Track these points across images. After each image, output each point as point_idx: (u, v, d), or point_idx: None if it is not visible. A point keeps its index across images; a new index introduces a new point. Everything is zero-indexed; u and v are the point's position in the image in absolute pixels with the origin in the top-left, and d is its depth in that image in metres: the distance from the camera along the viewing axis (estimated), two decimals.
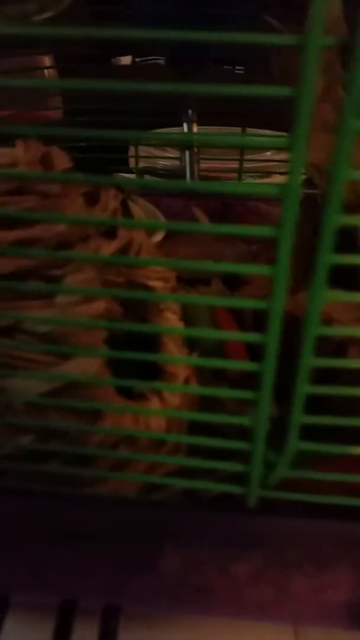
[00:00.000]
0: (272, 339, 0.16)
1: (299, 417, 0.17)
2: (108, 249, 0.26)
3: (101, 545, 0.26)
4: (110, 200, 0.26)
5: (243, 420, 0.19)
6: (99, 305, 0.24)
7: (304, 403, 0.28)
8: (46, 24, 0.53)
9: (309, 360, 0.16)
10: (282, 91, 0.13)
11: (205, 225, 0.27)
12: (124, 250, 0.28)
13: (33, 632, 0.29)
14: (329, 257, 0.14)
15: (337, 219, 0.13)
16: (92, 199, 0.26)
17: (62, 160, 0.26)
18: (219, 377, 0.35)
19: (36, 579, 0.28)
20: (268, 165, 0.59)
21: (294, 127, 0.13)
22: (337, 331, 0.15)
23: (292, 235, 0.14)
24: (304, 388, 0.17)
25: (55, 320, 0.23)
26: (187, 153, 0.55)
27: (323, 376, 0.30)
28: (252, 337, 0.17)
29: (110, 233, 0.26)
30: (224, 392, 0.19)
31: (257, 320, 0.39)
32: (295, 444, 0.18)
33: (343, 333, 0.16)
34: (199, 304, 0.38)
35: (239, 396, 0.18)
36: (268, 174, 0.61)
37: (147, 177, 0.67)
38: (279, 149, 0.14)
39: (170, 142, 0.54)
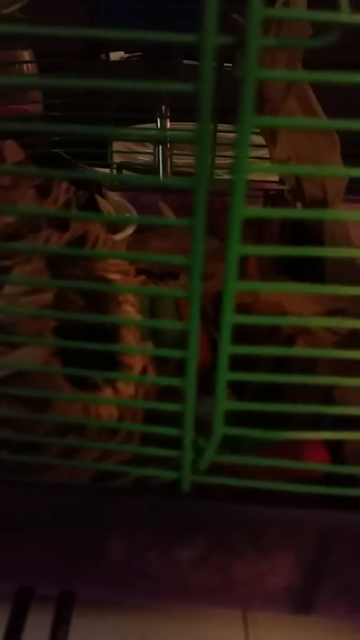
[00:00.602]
0: (193, 326, 0.17)
1: (222, 403, 0.18)
2: (59, 240, 0.26)
3: (51, 532, 0.26)
4: (62, 194, 0.26)
5: (175, 407, 0.19)
6: (47, 296, 0.25)
7: (257, 390, 0.29)
8: (21, 16, 0.53)
9: (228, 348, 0.17)
10: (185, 87, 0.14)
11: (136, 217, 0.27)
12: (77, 242, 0.29)
13: None
14: (237, 249, 0.15)
15: (242, 212, 0.14)
16: (44, 192, 0.26)
17: (14, 153, 0.26)
18: (181, 368, 0.36)
19: None
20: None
21: (197, 121, 0.14)
22: (251, 320, 0.16)
23: (203, 227, 0.15)
24: (225, 375, 0.17)
25: (3, 310, 0.23)
26: (159, 148, 0.55)
27: (275, 366, 0.31)
28: (175, 324, 0.17)
29: (62, 225, 0.27)
30: (157, 380, 0.20)
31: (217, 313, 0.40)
32: (220, 429, 0.19)
33: (258, 322, 0.16)
34: (158, 296, 0.39)
35: (168, 383, 0.19)
36: None
37: (125, 172, 0.67)
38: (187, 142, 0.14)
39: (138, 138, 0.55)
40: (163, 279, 0.46)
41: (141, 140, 0.59)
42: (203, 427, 0.21)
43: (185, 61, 0.58)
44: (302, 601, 0.27)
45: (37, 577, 0.29)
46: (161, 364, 0.35)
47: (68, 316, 0.22)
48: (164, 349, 0.18)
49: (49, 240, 0.25)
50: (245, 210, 0.14)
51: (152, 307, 0.40)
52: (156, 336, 0.36)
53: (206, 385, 0.24)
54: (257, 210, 0.15)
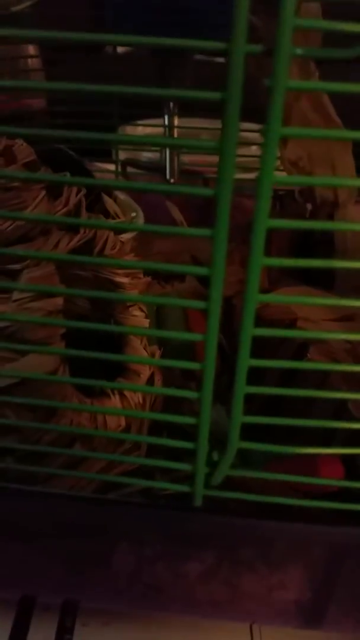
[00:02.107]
0: (211, 338, 0.16)
1: (239, 417, 0.17)
2: (69, 243, 0.25)
3: (58, 542, 0.26)
4: (72, 195, 0.26)
5: (189, 420, 0.19)
6: (57, 301, 0.24)
7: (265, 404, 0.28)
8: (29, 11, 0.53)
9: (247, 361, 0.16)
10: (214, 95, 0.13)
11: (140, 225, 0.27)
12: (87, 244, 0.28)
13: None
14: (260, 260, 0.14)
15: (266, 222, 0.13)
16: (54, 192, 0.26)
17: (24, 153, 0.25)
18: (187, 376, 0.35)
19: None
20: (250, 161, 0.59)
21: (224, 130, 0.13)
22: (269, 332, 0.15)
23: (226, 234, 0.14)
24: (242, 388, 0.17)
25: (12, 318, 0.23)
26: (166, 148, 0.54)
27: (283, 377, 0.30)
28: (194, 336, 0.17)
29: (72, 226, 0.26)
30: (172, 392, 0.19)
31: (227, 319, 0.39)
32: (236, 443, 0.18)
33: (276, 334, 0.16)
34: (155, 298, 0.38)
35: (184, 395, 0.18)
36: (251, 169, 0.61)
37: (129, 170, 0.66)
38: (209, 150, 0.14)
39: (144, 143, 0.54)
40: (168, 281, 0.45)
41: (156, 145, 0.58)
42: (211, 437, 0.20)
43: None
44: (311, 615, 0.26)
45: (41, 587, 0.29)
46: (167, 370, 0.34)
47: (77, 325, 0.21)
48: (180, 361, 0.18)
49: (59, 243, 0.24)
50: (270, 221, 0.14)
51: (158, 310, 0.40)
52: (162, 340, 0.36)
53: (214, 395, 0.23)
54: (281, 222, 0.14)
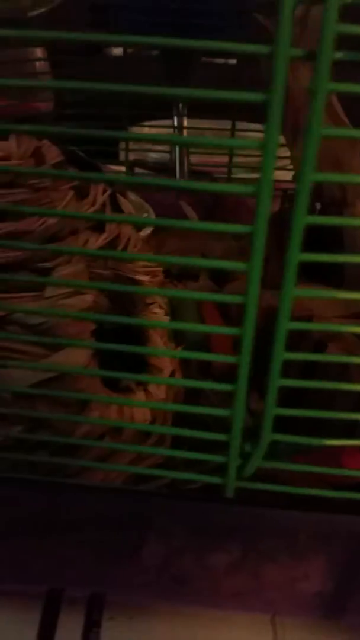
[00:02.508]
0: (247, 332, 0.17)
1: (273, 409, 0.18)
2: (96, 242, 0.26)
3: (86, 535, 0.26)
4: (99, 195, 0.26)
5: (222, 412, 0.19)
6: (88, 298, 0.25)
7: (285, 397, 0.29)
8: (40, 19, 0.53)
9: (281, 355, 0.17)
10: (255, 97, 0.13)
11: (189, 222, 0.27)
12: (112, 243, 0.29)
13: (20, 619, 0.29)
14: (297, 255, 0.14)
15: (304, 219, 0.14)
16: (81, 193, 0.26)
17: (53, 153, 0.26)
18: (204, 372, 0.36)
19: (21, 568, 0.28)
20: (258, 161, 0.60)
21: (267, 130, 0.14)
22: (307, 325, 0.16)
23: (265, 232, 0.15)
24: (277, 381, 0.17)
25: (44, 312, 0.23)
26: (176, 147, 0.55)
27: (303, 371, 0.31)
28: (230, 330, 0.17)
29: (98, 226, 0.27)
30: (204, 385, 0.20)
31: (241, 316, 0.40)
32: (269, 435, 0.19)
33: (313, 327, 0.16)
34: (185, 298, 0.39)
35: (218, 388, 0.19)
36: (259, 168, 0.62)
37: (137, 171, 0.67)
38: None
39: (156, 140, 0.55)
40: (181, 280, 0.46)
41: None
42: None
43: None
44: (333, 607, 0.27)
45: (69, 580, 0.29)
46: (185, 368, 0.35)
47: (113, 319, 0.22)
48: (209, 354, 0.18)
49: (87, 242, 0.25)
50: (307, 217, 0.14)
51: (173, 308, 0.40)
52: (178, 338, 0.36)
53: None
54: (319, 218, 0.15)
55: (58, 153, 0.25)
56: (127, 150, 0.58)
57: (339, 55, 0.13)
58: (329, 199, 0.46)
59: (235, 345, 0.38)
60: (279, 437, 0.19)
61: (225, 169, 0.57)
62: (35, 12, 0.45)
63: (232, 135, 0.54)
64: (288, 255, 0.15)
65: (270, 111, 0.13)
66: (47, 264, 0.23)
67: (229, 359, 0.18)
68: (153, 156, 0.71)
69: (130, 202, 0.50)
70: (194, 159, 0.61)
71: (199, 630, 0.29)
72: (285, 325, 0.16)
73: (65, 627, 0.29)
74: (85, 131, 0.17)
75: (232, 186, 0.15)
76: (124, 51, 0.56)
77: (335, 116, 0.44)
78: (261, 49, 0.13)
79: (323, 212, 0.46)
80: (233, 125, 0.54)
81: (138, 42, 0.14)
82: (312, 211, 0.46)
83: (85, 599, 0.30)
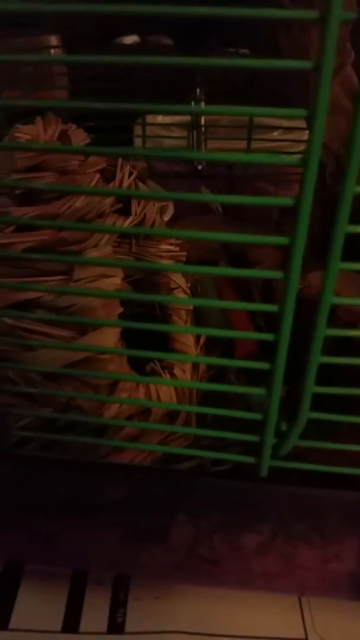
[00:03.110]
0: (287, 309, 0.17)
1: (311, 387, 0.18)
2: (123, 225, 0.26)
3: (114, 516, 0.26)
4: (125, 177, 0.26)
5: (258, 391, 0.19)
6: (116, 280, 0.24)
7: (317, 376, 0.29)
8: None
9: (323, 331, 0.16)
10: (304, 65, 0.13)
11: (226, 197, 0.27)
12: (137, 226, 0.29)
13: (47, 599, 0.30)
14: (344, 228, 0.14)
15: (345, 228, 0.14)
16: (107, 176, 0.26)
17: (79, 136, 0.26)
18: (227, 356, 0.36)
19: (49, 548, 0.28)
20: (276, 146, 0.59)
21: (314, 99, 0.13)
22: (352, 301, 0.16)
23: (310, 205, 0.15)
24: (317, 358, 0.17)
25: (74, 291, 0.23)
26: (194, 133, 0.55)
27: (333, 352, 0.31)
28: (270, 307, 0.17)
29: (124, 210, 0.27)
30: (239, 363, 0.20)
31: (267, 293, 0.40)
32: (307, 413, 0.19)
33: (357, 303, 0.16)
34: (208, 287, 0.39)
35: (255, 367, 0.18)
36: (277, 154, 0.61)
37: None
38: (299, 120, 0.14)
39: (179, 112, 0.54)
40: (201, 265, 0.46)
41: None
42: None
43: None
44: None
45: (98, 561, 0.29)
46: (207, 353, 0.35)
47: (141, 298, 0.21)
48: (244, 332, 0.18)
49: (114, 226, 0.25)
50: (349, 226, 0.14)
51: (193, 293, 0.40)
52: (200, 321, 0.36)
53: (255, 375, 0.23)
54: (358, 227, 0.15)
55: (84, 136, 0.25)
56: (143, 136, 0.58)
57: None
58: None
59: (254, 321, 0.38)
60: (318, 415, 0.19)
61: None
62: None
63: (250, 122, 0.53)
64: (328, 264, 0.15)
65: (321, 78, 0.13)
66: (76, 247, 0.23)
67: (268, 336, 0.18)
68: (169, 143, 0.70)
69: (151, 189, 0.50)
70: (211, 144, 0.61)
71: (225, 610, 0.30)
72: (329, 301, 0.16)
73: (92, 608, 0.29)
74: (102, 105, 0.16)
75: (270, 199, 0.15)
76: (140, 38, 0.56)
77: (352, 92, 0.43)
78: (311, 14, 0.13)
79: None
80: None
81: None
82: (334, 195, 0.46)
83: (110, 579, 0.30)
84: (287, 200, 0.15)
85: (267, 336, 0.18)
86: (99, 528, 0.27)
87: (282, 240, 0.16)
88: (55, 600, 0.30)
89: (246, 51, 0.70)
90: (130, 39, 0.78)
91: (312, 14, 0.13)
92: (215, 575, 0.28)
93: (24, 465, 0.24)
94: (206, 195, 0.17)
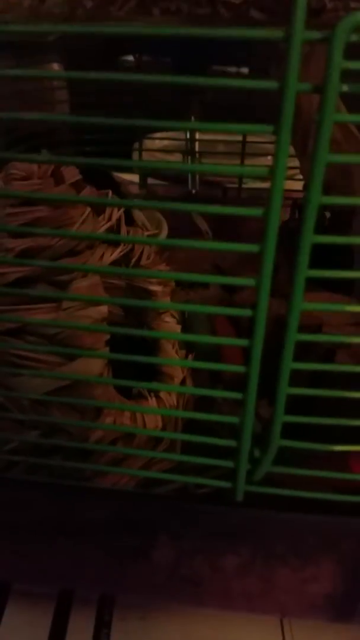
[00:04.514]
0: (256, 344, 0.18)
1: (281, 417, 0.19)
2: (111, 255, 0.27)
3: (98, 537, 0.27)
4: (115, 210, 0.27)
5: (232, 419, 0.20)
6: (103, 309, 0.26)
7: (295, 403, 0.29)
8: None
9: (289, 365, 0.17)
10: (270, 85, 0.14)
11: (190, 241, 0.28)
12: (126, 255, 0.30)
13: (33, 619, 0.30)
14: (304, 272, 0.15)
15: (311, 238, 0.15)
16: (98, 208, 0.27)
17: (71, 173, 0.27)
18: (215, 379, 0.37)
19: (35, 568, 0.29)
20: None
21: (279, 115, 0.14)
22: (315, 337, 0.17)
23: (273, 252, 0.16)
24: (285, 389, 0.18)
25: (62, 325, 0.24)
26: (188, 158, 0.56)
27: (313, 377, 0.32)
28: (240, 342, 0.18)
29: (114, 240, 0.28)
30: (214, 393, 0.21)
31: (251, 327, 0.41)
32: (277, 441, 0.20)
33: (321, 339, 0.17)
34: (196, 306, 0.40)
35: (228, 396, 0.19)
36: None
37: (150, 181, 0.68)
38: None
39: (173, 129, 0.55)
40: (193, 287, 0.47)
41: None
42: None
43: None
44: (343, 608, 0.28)
45: (82, 581, 0.30)
46: (196, 373, 0.36)
47: (126, 332, 0.23)
48: (218, 364, 0.19)
49: (104, 256, 0.26)
50: (315, 237, 0.15)
51: (184, 316, 0.41)
52: (189, 345, 0.37)
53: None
54: (325, 237, 0.16)
55: (76, 172, 0.26)
56: (140, 160, 0.60)
57: (345, 88, 0.14)
58: (338, 208, 0.47)
59: (245, 353, 0.39)
60: (288, 443, 0.20)
61: (236, 178, 0.59)
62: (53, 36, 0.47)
63: (243, 147, 0.55)
64: (296, 272, 0.16)
65: (285, 96, 0.14)
66: (65, 277, 0.25)
67: (239, 369, 0.19)
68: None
69: (144, 213, 0.51)
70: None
71: (209, 631, 0.30)
72: (294, 338, 0.17)
73: (77, 628, 0.30)
74: (100, 120, 0.17)
75: (240, 209, 0.16)
76: (137, 58, 0.57)
77: (347, 130, 0.45)
78: (271, 84, 0.14)
79: (333, 220, 0.47)
80: (244, 137, 0.55)
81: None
82: (322, 219, 0.47)
83: (95, 599, 0.31)
84: (252, 247, 0.16)
85: (239, 368, 0.19)
86: (83, 548, 0.28)
87: (249, 282, 0.17)
88: (41, 620, 0.30)
89: (246, 71, 0.72)
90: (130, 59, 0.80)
91: (278, 33, 0.14)
92: (198, 596, 0.28)
93: (9, 487, 0.25)
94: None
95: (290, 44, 0.14)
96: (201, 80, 0.14)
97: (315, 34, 0.14)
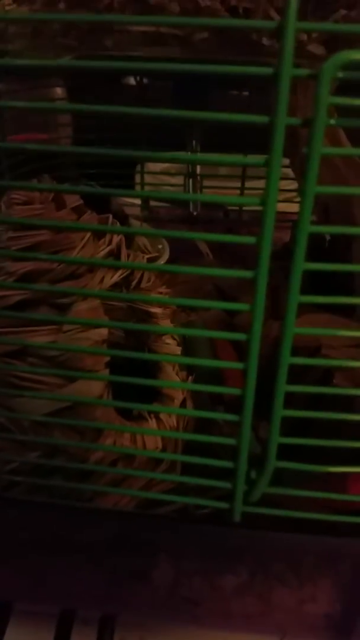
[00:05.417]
0: (251, 367, 0.18)
1: (276, 438, 0.19)
2: (112, 278, 0.28)
3: (99, 557, 0.27)
4: (115, 234, 0.28)
5: (229, 441, 0.21)
6: (103, 331, 0.26)
7: (294, 424, 0.30)
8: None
9: (283, 387, 0.18)
10: (260, 119, 0.15)
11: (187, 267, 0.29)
12: (126, 278, 0.30)
13: (34, 639, 0.30)
14: (297, 298, 0.16)
15: (302, 265, 0.15)
16: (98, 232, 0.28)
17: (72, 197, 0.28)
18: (215, 399, 0.37)
19: (37, 588, 0.29)
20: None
21: (270, 148, 0.15)
22: (309, 361, 0.17)
23: (266, 278, 0.16)
24: (280, 412, 0.18)
25: (63, 347, 0.25)
26: (190, 181, 0.57)
27: (311, 399, 0.32)
28: (236, 365, 0.19)
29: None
30: (211, 415, 0.21)
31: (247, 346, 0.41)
32: (273, 462, 0.20)
33: (315, 363, 0.18)
34: (195, 330, 0.40)
35: (224, 418, 0.20)
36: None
37: (152, 203, 0.69)
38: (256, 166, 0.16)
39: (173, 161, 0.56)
40: (194, 309, 0.47)
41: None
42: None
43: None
44: (341, 628, 0.28)
45: (81, 601, 0.30)
46: (196, 395, 0.36)
47: (127, 354, 0.23)
48: (217, 387, 0.20)
49: (104, 279, 0.27)
50: (307, 264, 0.16)
51: (186, 337, 0.42)
52: (191, 366, 0.38)
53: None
54: (316, 264, 0.17)
55: (77, 197, 0.27)
56: (142, 184, 0.61)
57: (332, 122, 0.15)
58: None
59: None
60: (283, 464, 0.20)
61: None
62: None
63: (244, 171, 0.56)
64: (289, 298, 0.17)
65: (275, 128, 0.15)
66: (65, 300, 0.25)
67: (235, 391, 0.19)
68: (167, 189, 0.73)
69: (140, 241, 0.52)
70: (207, 192, 0.63)
71: None
72: (287, 361, 0.18)
73: None
74: (103, 151, 0.18)
75: (234, 237, 0.16)
76: (138, 81, 0.59)
77: (336, 141, 0.46)
78: (261, 119, 0.15)
79: (333, 243, 0.47)
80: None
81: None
82: (322, 242, 0.48)
83: (97, 619, 0.31)
84: (247, 274, 0.17)
85: (235, 390, 0.19)
86: (84, 568, 0.28)
87: (244, 307, 0.17)
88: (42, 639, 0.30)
89: (246, 93, 0.74)
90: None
91: (267, 70, 0.15)
92: (198, 615, 0.28)
93: (10, 507, 0.25)
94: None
95: (278, 80, 0.14)
96: (193, 114, 0.15)
97: (304, 71, 0.15)
